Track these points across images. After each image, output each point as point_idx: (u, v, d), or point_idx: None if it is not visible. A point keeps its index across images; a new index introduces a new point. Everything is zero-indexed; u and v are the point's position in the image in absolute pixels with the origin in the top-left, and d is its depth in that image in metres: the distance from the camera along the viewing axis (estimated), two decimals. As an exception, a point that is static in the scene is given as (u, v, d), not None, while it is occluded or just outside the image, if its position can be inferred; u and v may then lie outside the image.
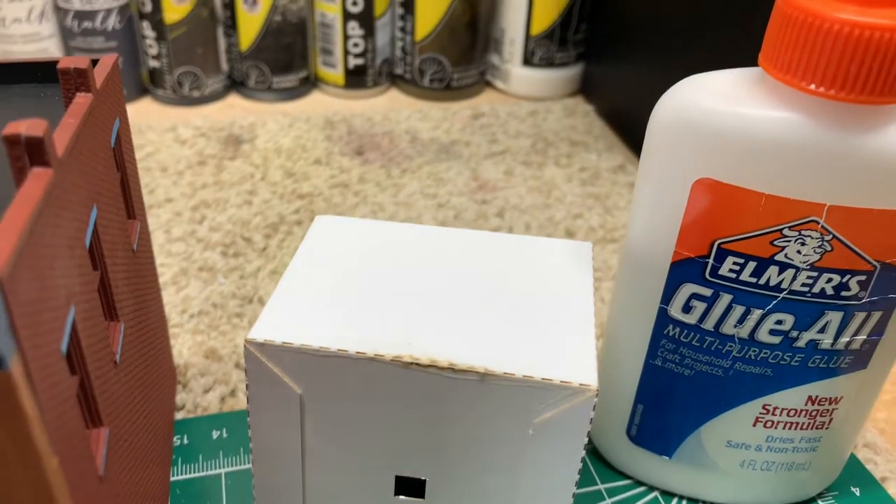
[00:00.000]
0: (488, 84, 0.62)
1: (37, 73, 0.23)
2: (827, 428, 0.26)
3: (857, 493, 0.29)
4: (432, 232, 0.26)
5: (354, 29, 0.56)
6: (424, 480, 0.23)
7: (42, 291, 0.15)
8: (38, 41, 0.54)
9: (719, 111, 0.22)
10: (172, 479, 0.28)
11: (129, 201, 0.25)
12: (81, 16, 0.54)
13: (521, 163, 0.50)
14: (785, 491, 0.28)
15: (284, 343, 0.21)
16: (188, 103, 0.57)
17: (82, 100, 0.20)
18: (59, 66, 0.21)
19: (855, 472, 0.30)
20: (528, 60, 0.59)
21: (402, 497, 0.23)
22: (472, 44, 0.58)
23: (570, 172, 0.49)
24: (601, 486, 0.29)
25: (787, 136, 0.21)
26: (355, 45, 0.57)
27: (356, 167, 0.49)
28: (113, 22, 0.54)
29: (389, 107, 0.58)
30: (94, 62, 0.23)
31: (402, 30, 0.58)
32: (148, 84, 0.57)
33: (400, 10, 0.57)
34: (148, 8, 0.53)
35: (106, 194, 0.22)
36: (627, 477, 0.29)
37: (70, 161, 0.18)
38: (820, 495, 0.29)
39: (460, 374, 0.20)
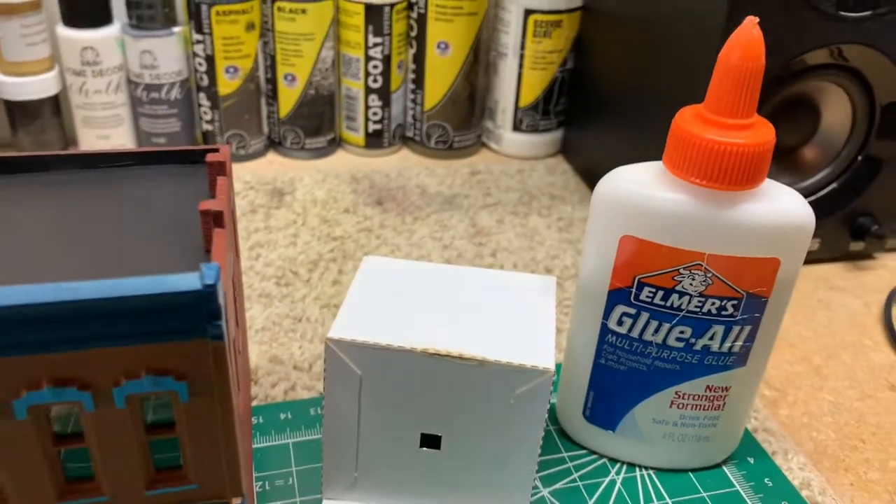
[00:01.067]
0: (484, 145, 0.74)
1: (187, 157, 0.34)
2: (722, 409, 0.37)
3: (752, 462, 0.40)
4: (446, 268, 0.37)
5: (374, 100, 0.68)
6: (440, 436, 0.34)
7: (227, 301, 0.26)
8: (113, 108, 0.65)
9: (636, 192, 0.33)
10: (255, 446, 0.39)
11: (237, 243, 0.37)
12: (150, 88, 0.65)
13: (510, 213, 0.61)
14: (697, 457, 0.39)
15: (352, 339, 0.32)
16: (236, 160, 0.68)
17: (222, 182, 0.32)
18: (208, 159, 0.32)
19: (752, 448, 0.41)
20: (517, 126, 0.71)
21: (424, 448, 0.34)
22: (471, 112, 0.70)
23: (549, 221, 0.60)
24: (565, 454, 0.40)
25: (679, 210, 0.32)
26: (374, 113, 0.69)
27: (377, 215, 0.60)
28: (175, 93, 0.66)
29: (402, 164, 0.69)
30: (215, 149, 0.34)
31: (413, 101, 0.70)
32: (201, 143, 0.69)
33: (411, 86, 0.69)
34: (205, 82, 0.65)
35: (232, 240, 0.33)
36: (584, 448, 0.40)
37: (227, 223, 0.29)
38: (724, 462, 0.40)
39: (467, 361, 0.31)
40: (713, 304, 0.34)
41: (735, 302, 0.34)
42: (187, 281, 0.23)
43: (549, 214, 0.62)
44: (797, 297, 0.56)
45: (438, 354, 0.32)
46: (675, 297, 0.34)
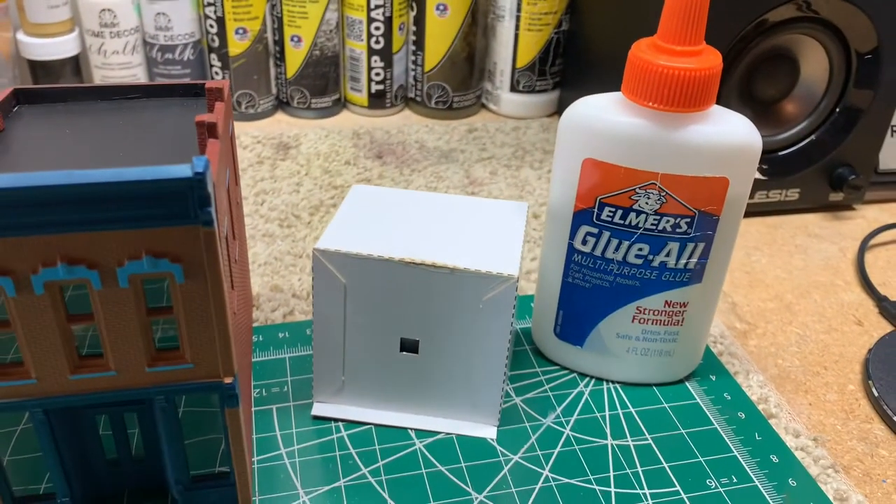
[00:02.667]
0: (483, 106, 0.77)
1: (189, 90, 0.38)
2: (681, 325, 0.40)
3: (713, 379, 0.43)
4: (428, 194, 0.41)
5: (376, 62, 0.71)
6: (418, 341, 0.37)
7: (219, 200, 0.29)
8: (130, 68, 0.69)
9: (596, 117, 0.36)
10: (254, 359, 0.43)
11: (236, 172, 0.40)
12: (164, 49, 0.69)
13: (503, 166, 0.64)
14: (660, 372, 0.42)
15: (337, 250, 0.35)
16: (245, 119, 0.72)
17: (220, 105, 0.35)
18: (207, 85, 0.35)
19: (715, 367, 0.44)
20: (514, 87, 0.74)
21: (404, 353, 0.37)
22: (470, 73, 0.73)
23: (540, 173, 0.63)
24: (538, 369, 0.43)
25: (635, 132, 0.35)
26: (377, 74, 0.72)
27: (377, 167, 0.63)
28: (188, 54, 0.70)
29: (403, 122, 0.73)
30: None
31: (414, 62, 0.73)
32: (213, 103, 0.72)
33: (412, 47, 0.72)
34: (216, 43, 0.69)
35: (230, 162, 0.36)
36: (556, 364, 0.43)
37: (221, 138, 0.33)
38: (686, 379, 0.43)
39: (440, 269, 0.35)
40: (668, 221, 0.37)
41: (688, 220, 0.37)
42: (180, 170, 0.26)
43: (541, 167, 0.64)
44: (775, 243, 0.58)
45: (414, 263, 0.35)
46: (632, 215, 0.37)
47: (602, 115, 0.36)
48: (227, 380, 0.31)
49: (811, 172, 0.60)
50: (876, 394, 0.43)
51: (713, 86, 0.34)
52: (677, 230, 0.37)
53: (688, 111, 0.34)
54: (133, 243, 0.27)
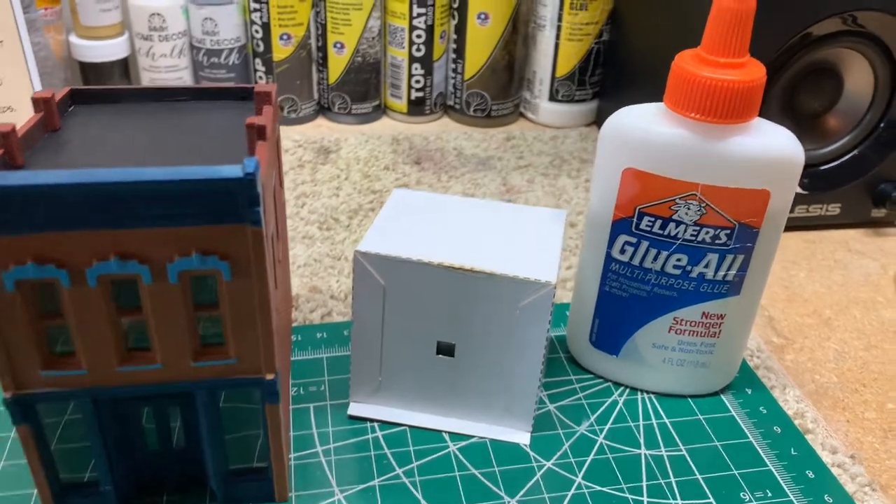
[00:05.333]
0: (521, 115, 0.77)
1: (237, 94, 0.39)
2: (718, 337, 0.40)
3: (749, 392, 0.43)
4: (468, 200, 0.41)
5: (417, 69, 0.72)
6: (454, 344, 0.37)
7: (266, 201, 0.30)
8: (176, 71, 0.71)
9: (638, 127, 0.36)
10: (293, 358, 0.43)
11: (280, 175, 0.41)
12: (210, 53, 0.70)
13: (540, 174, 0.65)
14: (695, 384, 0.42)
15: (377, 253, 0.36)
16: (287, 123, 0.73)
17: (268, 109, 0.36)
18: (255, 89, 0.36)
19: (751, 381, 0.44)
20: (553, 96, 0.74)
21: (440, 356, 0.38)
22: (509, 82, 0.73)
23: (577, 182, 0.63)
24: (572, 377, 0.43)
25: (676, 143, 0.35)
26: (417, 81, 0.73)
27: (415, 173, 0.64)
28: (233, 58, 0.71)
29: (441, 129, 0.73)
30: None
31: (454, 70, 0.74)
32: (256, 107, 0.74)
33: (453, 55, 0.73)
34: (261, 48, 0.70)
35: (275, 165, 0.37)
36: (590, 372, 0.43)
37: (269, 141, 0.33)
38: (722, 391, 0.43)
39: (478, 274, 0.35)
40: (707, 232, 0.37)
41: (728, 231, 0.37)
42: (231, 170, 0.27)
43: (578, 176, 0.65)
44: (814, 257, 0.58)
45: (453, 267, 0.35)
46: (672, 225, 0.37)
47: (644, 124, 0.36)
48: (269, 376, 0.31)
49: (853, 188, 0.59)
50: (916, 413, 0.42)
51: (756, 98, 0.34)
52: (717, 241, 0.37)
53: (730, 123, 0.34)
54: (183, 240, 0.28)
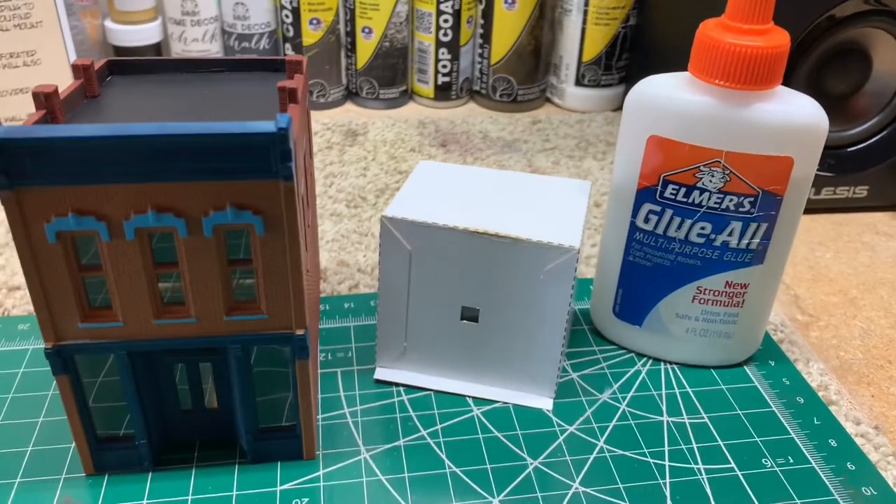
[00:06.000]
0: (548, 100, 0.78)
1: (269, 66, 0.39)
2: (741, 307, 0.40)
3: (772, 364, 0.43)
4: (492, 171, 0.42)
5: (444, 54, 0.73)
6: (478, 310, 0.38)
7: (297, 157, 0.31)
8: (208, 56, 0.72)
9: (663, 95, 0.37)
10: (321, 326, 0.44)
11: (310, 146, 0.42)
12: (241, 38, 0.72)
13: (566, 156, 0.65)
14: (718, 354, 0.42)
15: (403, 217, 0.36)
16: (316, 108, 0.74)
17: (299, 78, 0.37)
18: (287, 58, 0.37)
19: (775, 353, 0.44)
20: (579, 81, 0.74)
21: (464, 321, 0.38)
22: (536, 67, 0.74)
23: (603, 164, 0.64)
24: (596, 348, 0.43)
25: (700, 110, 0.36)
26: (444, 66, 0.74)
27: (440, 155, 0.65)
28: (264, 43, 0.72)
29: (468, 114, 0.74)
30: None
31: (481, 55, 0.74)
32: (285, 92, 0.75)
33: (479, 40, 0.74)
34: (291, 33, 0.71)
35: (306, 132, 0.38)
36: (614, 344, 0.44)
37: (300, 104, 0.34)
38: (745, 363, 0.43)
39: (503, 239, 0.36)
40: (731, 200, 0.37)
41: (751, 199, 0.37)
42: (264, 125, 0.28)
43: (604, 158, 0.65)
44: (841, 239, 0.58)
45: (477, 233, 0.36)
46: (696, 193, 0.37)
47: (668, 92, 0.36)
48: (299, 332, 0.32)
49: (881, 170, 0.59)
50: (942, 390, 0.42)
51: (780, 64, 0.34)
52: (740, 209, 0.37)
53: (754, 89, 0.35)
54: (218, 195, 0.29)
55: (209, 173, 0.28)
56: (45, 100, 0.31)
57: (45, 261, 0.29)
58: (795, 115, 0.35)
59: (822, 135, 0.36)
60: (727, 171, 0.36)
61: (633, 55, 0.73)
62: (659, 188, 0.38)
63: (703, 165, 0.36)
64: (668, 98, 0.36)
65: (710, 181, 0.37)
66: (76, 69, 0.35)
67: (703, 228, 0.38)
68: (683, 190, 0.37)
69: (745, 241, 0.38)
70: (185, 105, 0.35)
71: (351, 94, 0.76)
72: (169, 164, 0.28)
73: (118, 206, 0.29)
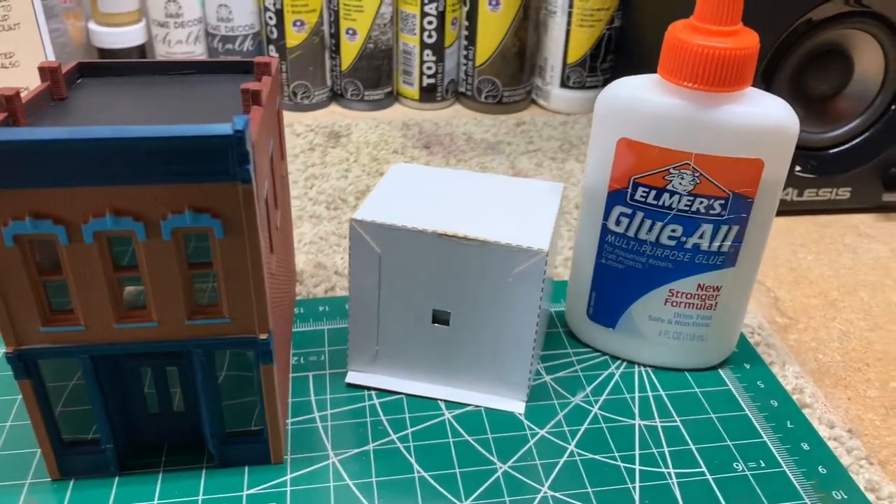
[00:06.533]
0: (533, 101, 0.77)
1: (241, 68, 0.39)
2: (714, 309, 0.40)
3: (747, 367, 0.43)
4: (466, 173, 0.42)
5: (429, 55, 0.73)
6: (450, 313, 0.38)
7: (259, 163, 0.31)
8: (192, 58, 0.72)
9: (632, 97, 0.36)
10: (294, 329, 0.44)
11: (282, 146, 0.42)
12: (225, 39, 0.72)
13: (549, 158, 0.65)
14: (692, 357, 0.42)
15: (372, 220, 0.36)
16: (300, 109, 0.74)
17: (266, 80, 0.37)
18: (255, 60, 0.37)
19: (750, 356, 0.44)
20: (564, 83, 0.74)
21: (435, 324, 0.38)
22: (521, 68, 0.74)
23: (585, 166, 0.64)
24: (570, 351, 0.43)
25: (669, 112, 0.36)
26: (429, 67, 0.73)
27: (424, 156, 0.64)
28: (248, 45, 0.72)
29: (452, 115, 0.74)
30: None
31: (466, 57, 0.74)
32: (270, 93, 0.75)
33: (464, 42, 0.74)
34: (275, 35, 0.71)
35: (274, 134, 0.38)
36: (588, 346, 0.43)
37: (266, 107, 0.34)
38: (720, 366, 0.43)
39: (472, 241, 0.36)
40: (701, 202, 0.37)
41: (722, 201, 0.37)
42: (221, 128, 0.28)
43: (587, 160, 0.65)
44: (823, 241, 0.57)
45: (446, 235, 0.36)
46: (666, 196, 0.37)
47: (638, 94, 0.36)
48: (262, 336, 0.32)
49: (863, 171, 0.59)
50: (920, 392, 0.42)
51: (749, 66, 0.34)
52: (711, 212, 0.37)
53: (723, 91, 0.35)
54: (176, 198, 0.29)
55: (167, 176, 0.28)
56: (7, 103, 0.30)
57: (4, 265, 0.29)
58: (765, 116, 0.35)
59: (793, 137, 0.35)
60: (697, 174, 0.36)
61: (617, 57, 0.73)
62: (629, 191, 0.38)
63: (673, 168, 0.36)
64: (638, 100, 0.36)
65: (680, 183, 0.37)
66: (42, 72, 0.35)
67: (673, 231, 0.38)
68: (654, 192, 0.37)
69: (716, 244, 0.38)
70: (152, 108, 0.35)
71: (336, 96, 0.76)
72: (126, 167, 0.28)
73: (76, 209, 0.28)
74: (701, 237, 0.38)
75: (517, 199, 0.39)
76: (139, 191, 0.28)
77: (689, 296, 0.39)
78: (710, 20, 0.34)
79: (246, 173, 0.28)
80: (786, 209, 0.59)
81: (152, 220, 0.29)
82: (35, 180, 0.28)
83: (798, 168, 0.58)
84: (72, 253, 0.29)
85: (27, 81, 0.56)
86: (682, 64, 0.35)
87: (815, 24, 0.53)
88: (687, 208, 0.37)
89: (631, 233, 0.39)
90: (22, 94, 0.35)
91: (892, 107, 0.57)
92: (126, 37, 0.69)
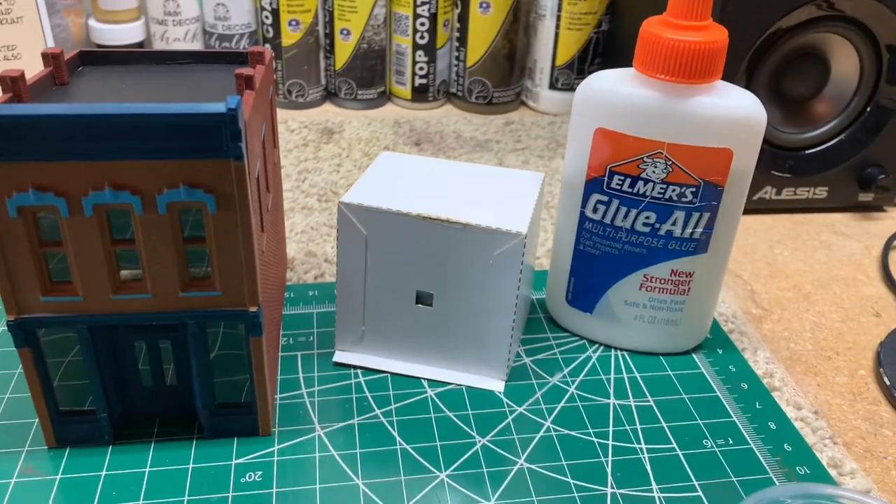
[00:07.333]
0: (522, 103, 0.79)
1: (235, 58, 0.41)
2: (687, 295, 0.42)
3: (720, 352, 0.44)
4: (451, 163, 0.43)
5: (421, 56, 0.75)
6: (433, 294, 0.39)
7: (251, 145, 0.32)
8: (190, 56, 0.74)
9: (608, 89, 0.38)
10: (285, 313, 0.46)
11: (275, 134, 0.43)
12: (222, 38, 0.73)
13: (536, 156, 0.67)
14: (665, 341, 0.43)
15: (359, 204, 0.38)
16: (294, 107, 0.76)
17: (260, 68, 0.38)
18: (249, 50, 0.39)
19: (723, 342, 0.45)
20: (553, 85, 0.76)
21: (419, 305, 0.40)
22: (510, 70, 0.76)
23: (571, 163, 0.65)
24: (549, 335, 0.45)
25: (644, 103, 0.37)
26: (421, 68, 0.75)
27: (414, 153, 0.66)
28: (244, 43, 0.74)
29: (443, 115, 0.76)
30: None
31: (457, 58, 0.76)
32: (265, 92, 0.76)
33: (456, 43, 0.75)
34: (270, 34, 0.73)
35: (267, 121, 0.39)
36: (567, 331, 0.45)
37: (258, 91, 0.36)
38: (693, 351, 0.44)
39: (454, 224, 0.37)
40: (674, 190, 0.38)
41: (693, 189, 0.38)
42: (215, 106, 0.29)
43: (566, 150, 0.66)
44: (799, 238, 0.59)
45: (430, 218, 0.37)
46: (640, 183, 0.39)
47: (614, 87, 0.38)
48: (252, 309, 0.34)
49: (840, 172, 0.61)
50: (888, 382, 0.43)
51: (718, 59, 0.36)
52: (683, 199, 0.39)
53: (694, 83, 0.36)
54: (172, 173, 0.30)
55: (163, 152, 0.30)
56: (12, 83, 0.32)
57: (7, 236, 0.31)
58: (734, 108, 0.37)
59: (761, 128, 0.37)
60: (669, 162, 0.38)
61: (605, 60, 0.75)
62: (606, 179, 0.39)
63: (647, 157, 0.38)
64: (614, 92, 0.38)
65: (654, 172, 0.38)
66: (45, 57, 0.36)
67: (647, 218, 0.40)
68: (629, 180, 0.39)
69: (688, 231, 0.40)
70: (150, 92, 0.36)
71: (330, 95, 0.78)
72: (124, 143, 0.29)
73: (77, 183, 0.30)
74: (674, 224, 0.39)
75: (499, 187, 0.41)
76: (137, 166, 0.30)
77: (662, 281, 0.41)
78: (681, 16, 0.36)
79: (238, 150, 0.30)
80: (764, 207, 0.61)
81: (149, 195, 0.31)
82: (38, 154, 0.29)
83: (775, 169, 0.59)
84: (72, 225, 0.31)
85: (29, 73, 0.58)
86: (655, 57, 0.36)
87: (791, 27, 0.54)
88: (660, 196, 0.39)
89: (607, 220, 0.40)
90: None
91: (868, 108, 0.59)
92: (125, 34, 0.71)
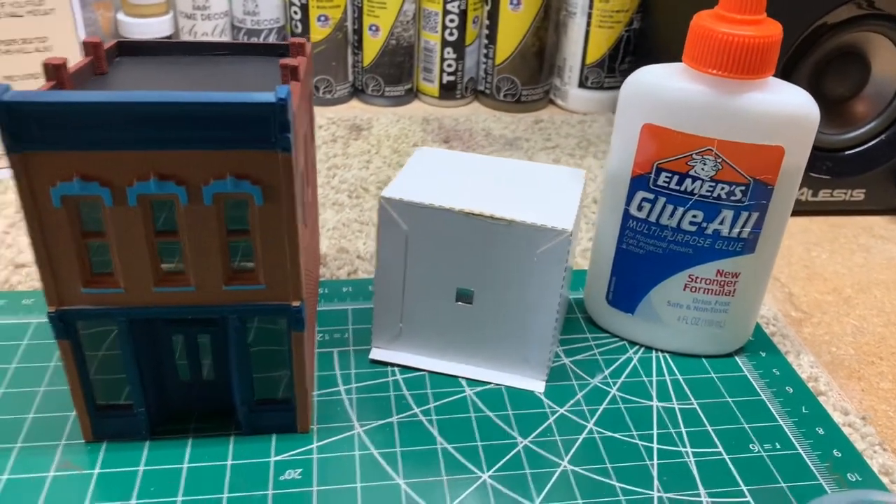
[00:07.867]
0: (551, 101, 0.79)
1: (274, 50, 0.40)
2: (733, 296, 0.41)
3: (763, 355, 0.43)
4: (490, 158, 0.43)
5: (449, 53, 0.74)
6: (473, 291, 0.39)
7: (297, 132, 0.32)
8: (217, 51, 0.73)
9: (657, 84, 0.37)
10: (319, 309, 0.45)
11: (312, 131, 0.43)
12: (250, 33, 0.73)
13: (567, 154, 0.66)
14: (709, 343, 0.42)
15: (400, 199, 0.37)
16: (322, 103, 0.75)
17: (301, 59, 0.38)
18: (291, 41, 0.38)
19: (766, 345, 0.44)
20: (582, 83, 0.75)
21: (459, 303, 0.39)
22: (539, 68, 0.75)
23: (603, 162, 0.65)
24: (589, 335, 0.44)
25: (694, 98, 0.36)
26: (449, 65, 0.75)
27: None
28: (272, 38, 0.74)
29: (472, 112, 0.75)
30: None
31: (486, 55, 0.75)
32: (292, 87, 0.76)
33: (485, 41, 0.75)
34: (299, 29, 0.72)
35: (308, 113, 0.39)
36: (607, 332, 0.44)
37: (303, 83, 0.35)
38: (736, 353, 0.43)
39: (498, 221, 0.37)
40: (723, 188, 0.38)
41: (743, 188, 0.37)
42: (265, 96, 0.29)
43: (605, 157, 0.66)
44: (837, 241, 0.58)
45: (473, 214, 0.37)
46: (688, 181, 0.38)
47: (663, 81, 0.37)
48: (295, 303, 0.33)
49: (879, 173, 0.59)
50: (932, 386, 0.42)
51: (773, 54, 0.35)
52: (732, 198, 0.38)
53: (747, 78, 0.35)
54: (218, 164, 0.30)
55: (210, 142, 0.29)
56: (55, 71, 0.32)
57: (51, 225, 0.30)
58: (787, 104, 0.36)
59: (813, 125, 0.36)
60: (719, 160, 0.37)
61: (636, 58, 0.74)
62: (652, 176, 0.39)
63: (696, 153, 0.37)
64: (662, 87, 0.37)
65: (703, 169, 0.37)
66: (86, 46, 0.36)
67: (694, 216, 0.39)
68: (676, 178, 0.38)
69: (736, 230, 0.39)
70: (190, 82, 0.36)
71: (357, 91, 0.77)
72: (171, 132, 0.29)
73: (121, 172, 0.29)
74: (721, 223, 0.38)
75: (540, 183, 0.40)
76: (182, 156, 0.29)
77: (708, 281, 0.40)
78: (735, 9, 0.35)
79: (286, 141, 0.29)
80: (801, 209, 0.60)
81: (194, 185, 0.30)
82: (83, 143, 0.29)
83: (812, 170, 0.58)
84: (115, 215, 0.30)
85: (60, 66, 0.57)
86: (706, 51, 0.36)
87: (831, 26, 0.53)
88: (708, 194, 0.38)
89: (653, 218, 0.40)
90: (66, 67, 0.36)
91: (908, 110, 0.58)
92: (153, 28, 0.71)
